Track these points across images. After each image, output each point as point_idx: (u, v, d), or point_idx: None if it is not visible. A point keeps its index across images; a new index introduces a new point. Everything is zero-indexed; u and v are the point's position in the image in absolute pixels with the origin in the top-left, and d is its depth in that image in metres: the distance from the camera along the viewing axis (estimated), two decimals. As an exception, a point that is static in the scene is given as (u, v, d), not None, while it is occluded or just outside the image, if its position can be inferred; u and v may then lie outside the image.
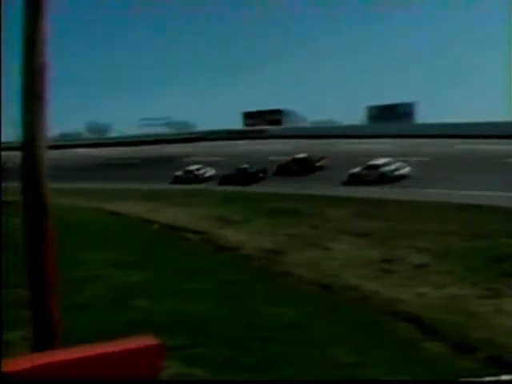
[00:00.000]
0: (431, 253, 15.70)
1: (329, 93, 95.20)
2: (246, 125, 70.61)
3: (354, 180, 34.31)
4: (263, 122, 68.01)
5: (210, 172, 45.70)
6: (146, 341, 5.37)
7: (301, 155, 41.76)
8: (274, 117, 68.92)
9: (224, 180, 42.89)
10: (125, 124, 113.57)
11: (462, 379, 6.00)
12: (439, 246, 16.25)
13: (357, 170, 34.75)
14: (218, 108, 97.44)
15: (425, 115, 54.44)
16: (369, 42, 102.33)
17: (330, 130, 54.85)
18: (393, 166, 33.95)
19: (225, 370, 6.74)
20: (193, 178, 44.83)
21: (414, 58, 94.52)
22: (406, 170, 33.40)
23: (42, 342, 6.28)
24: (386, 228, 19.40)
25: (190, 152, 58.44)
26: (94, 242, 17.05)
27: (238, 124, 71.42)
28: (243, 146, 53.62)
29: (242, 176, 42.94)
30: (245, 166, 44.21)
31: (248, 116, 71.73)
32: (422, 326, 9.99)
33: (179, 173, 46.38)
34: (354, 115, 63.65)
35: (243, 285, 11.12)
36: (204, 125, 78.56)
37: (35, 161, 6.02)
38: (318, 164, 40.62)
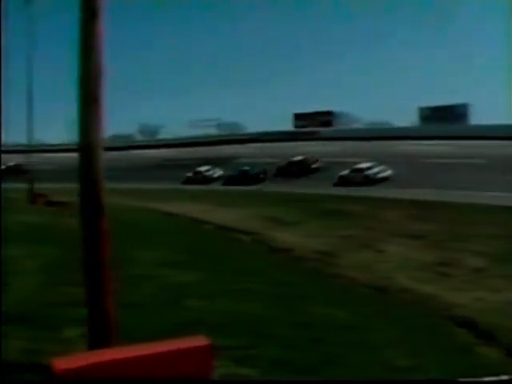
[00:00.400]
0: (487, 256, 15.37)
1: (381, 94, 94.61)
2: (296, 126, 70.41)
3: (343, 181, 38.28)
4: (314, 123, 67.65)
5: (218, 173, 49.64)
6: (198, 341, 5.39)
7: (298, 158, 45.46)
8: (325, 118, 68.54)
9: (227, 181, 47.22)
10: (176, 125, 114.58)
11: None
12: (495, 249, 15.90)
13: (345, 172, 39.05)
14: (267, 109, 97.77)
15: (478, 117, 53.45)
16: (421, 43, 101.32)
17: (383, 132, 54.27)
18: (375, 170, 38.12)
19: (276, 371, 6.70)
20: (202, 178, 49.05)
21: (466, 59, 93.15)
22: (387, 173, 37.37)
23: (98, 340, 6.37)
24: (439, 230, 19.09)
25: (242, 153, 58.65)
26: (147, 241, 17.28)
27: (287, 125, 71.21)
28: (294, 147, 53.46)
29: (243, 177, 46.55)
30: (246, 167, 48.16)
31: (298, 117, 71.50)
32: (477, 330, 9.78)
33: (189, 174, 50.41)
34: (406, 116, 63.06)
35: (296, 286, 11.06)
36: (253, 126, 78.52)
37: (92, 162, 6.12)
38: (313, 166, 44.09)
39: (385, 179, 36.83)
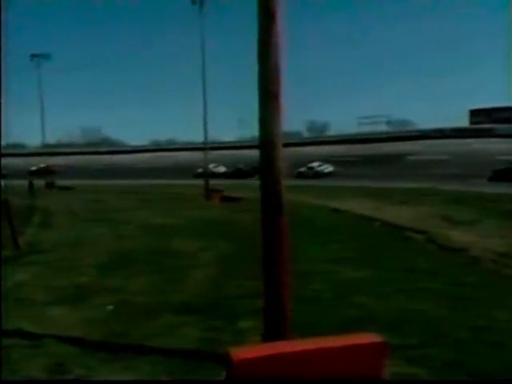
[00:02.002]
0: None
1: None
2: (471, 123, 67.53)
3: (301, 176, 53.80)
4: (490, 119, 64.48)
5: (329, 169, 58.01)
6: (370, 338, 5.37)
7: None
8: (503, 114, 64.87)
9: (228, 176, 60.71)
10: (343, 122, 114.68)
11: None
12: None
13: (303, 169, 56.48)
14: (440, 106, 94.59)
15: None
16: None
17: None
18: (323, 167, 56.99)
19: (448, 373, 6.51)
20: (313, 173, 57.12)
21: None
22: (330, 169, 56.67)
23: (273, 333, 6.56)
24: None
25: (412, 150, 57.29)
26: (318, 237, 17.53)
27: (461, 122, 68.47)
28: (468, 144, 51.26)
29: (237, 173, 59.93)
30: (240, 166, 62.16)
31: (474, 114, 68.43)
32: None
33: (302, 169, 57.87)
34: None
35: (471, 287, 10.61)
36: (425, 123, 76.37)
37: (273, 159, 6.32)
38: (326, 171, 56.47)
39: (330, 174, 54.84)
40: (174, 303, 10.10)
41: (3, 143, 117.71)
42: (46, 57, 69.81)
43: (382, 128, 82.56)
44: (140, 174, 71.87)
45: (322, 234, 18.68)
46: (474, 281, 11.19)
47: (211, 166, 59.93)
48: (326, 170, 57.28)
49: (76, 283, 12.24)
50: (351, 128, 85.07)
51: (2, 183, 49.79)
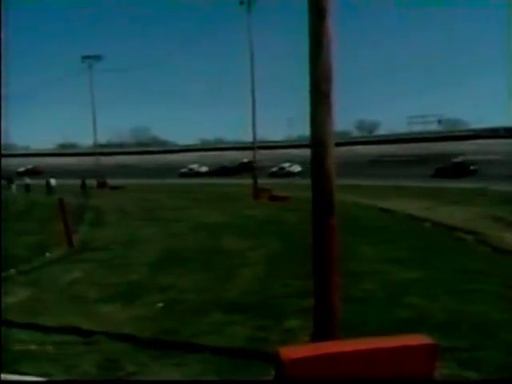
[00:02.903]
0: None
1: None
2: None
3: (274, 175, 61.67)
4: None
5: (298, 169, 61.73)
6: (421, 339, 5.32)
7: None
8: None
9: (213, 174, 68.81)
10: (393, 121, 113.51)
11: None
12: None
13: (275, 169, 64.41)
14: (494, 105, 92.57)
15: None
16: None
17: None
18: (293, 167, 63.13)
19: (500, 376, 6.37)
20: (284, 173, 62.97)
21: None
22: (299, 169, 60.96)
23: (322, 332, 6.54)
24: None
25: (463, 150, 56.23)
26: (367, 237, 17.36)
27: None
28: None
29: (224, 171, 68.22)
30: (226, 164, 70.73)
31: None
32: None
33: (274, 169, 64.57)
34: None
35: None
36: (477, 122, 74.85)
37: (324, 158, 6.31)
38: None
39: (300, 173, 58.11)
40: (222, 302, 10.17)
41: (60, 143, 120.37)
42: (97, 58, 71.01)
43: (433, 127, 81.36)
44: (189, 173, 72.51)
45: (372, 233, 18.50)
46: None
47: (194, 165, 74.73)
48: (296, 170, 63.95)
49: (128, 281, 12.45)
50: (401, 127, 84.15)
51: (54, 182, 51.47)
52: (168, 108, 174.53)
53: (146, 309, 9.95)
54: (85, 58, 71.08)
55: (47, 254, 16.84)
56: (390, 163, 59.96)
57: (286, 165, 65.51)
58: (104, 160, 76.36)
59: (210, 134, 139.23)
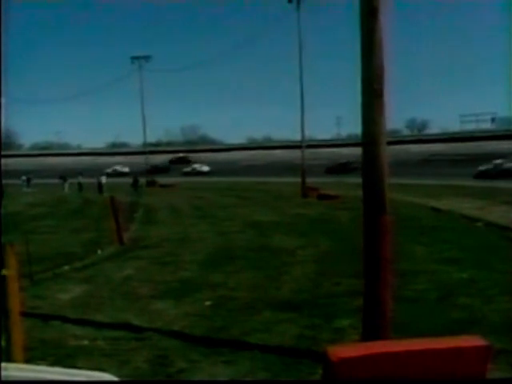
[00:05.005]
0: None
1: None
2: None
3: (187, 174, 74.37)
4: None
5: (206, 168, 77.16)
6: (474, 341, 5.21)
7: None
8: None
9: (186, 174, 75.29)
10: (445, 120, 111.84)
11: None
12: None
13: (188, 169, 78.08)
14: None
15: None
16: None
17: None
18: (203, 167, 77.60)
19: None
20: (195, 172, 74.82)
21: None
22: (207, 169, 77.46)
23: (372, 332, 6.50)
24: None
25: (513, 149, 54.94)
26: (418, 236, 17.16)
27: None
28: None
29: (154, 170, 72.81)
30: (157, 163, 79.02)
31: None
32: None
33: (188, 169, 78.42)
34: None
35: None
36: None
37: (376, 157, 6.27)
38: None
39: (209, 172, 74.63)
40: (272, 300, 10.19)
41: (111, 142, 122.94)
42: (146, 58, 71.94)
43: (487, 126, 79.69)
44: (238, 171, 72.86)
45: (423, 233, 18.28)
46: None
47: (117, 167, 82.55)
48: (205, 170, 77.11)
49: (179, 278, 12.59)
50: (454, 126, 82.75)
51: (104, 180, 52.49)
52: (218, 107, 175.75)
53: (196, 306, 10.04)
54: (134, 58, 72.16)
55: (99, 252, 17.15)
56: (441, 162, 59.07)
57: (197, 165, 79.61)
58: (152, 158, 77.75)
59: (258, 133, 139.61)
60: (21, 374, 2.72)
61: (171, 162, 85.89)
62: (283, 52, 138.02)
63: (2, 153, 51.82)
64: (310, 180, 43.18)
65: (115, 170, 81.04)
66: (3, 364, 2.82)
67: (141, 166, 73.65)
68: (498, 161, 50.69)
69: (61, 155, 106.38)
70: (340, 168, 63.20)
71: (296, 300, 10.12)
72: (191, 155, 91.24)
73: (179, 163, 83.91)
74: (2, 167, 42.94)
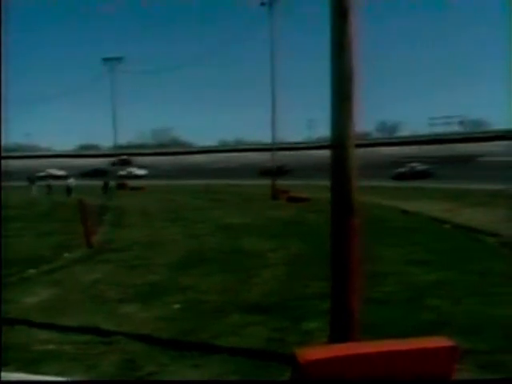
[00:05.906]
0: None
1: None
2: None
3: (123, 177, 70.15)
4: None
5: (142, 172, 76.12)
6: (441, 342, 5.27)
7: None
8: None
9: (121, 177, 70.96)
10: (414, 123, 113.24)
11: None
12: None
13: (123, 172, 75.05)
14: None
15: None
16: None
17: None
18: (138, 171, 79.21)
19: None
20: (132, 176, 72.30)
21: None
22: (143, 172, 78.73)
23: (341, 333, 6.51)
24: None
25: (486, 151, 55.79)
26: (387, 238, 17.27)
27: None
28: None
29: (94, 173, 75.04)
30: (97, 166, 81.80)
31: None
32: None
33: (123, 172, 74.95)
34: None
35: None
36: (500, 124, 74.12)
37: (344, 159, 6.28)
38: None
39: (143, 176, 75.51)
40: (242, 303, 10.16)
41: (81, 144, 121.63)
42: (118, 60, 71.37)
43: (455, 128, 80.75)
44: (208, 174, 72.77)
45: (392, 235, 18.43)
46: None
47: (52, 170, 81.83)
48: (141, 173, 78.80)
49: (148, 281, 12.47)
50: (423, 129, 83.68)
51: (73, 183, 51.93)
52: (190, 110, 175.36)
53: (165, 309, 9.97)
54: (106, 59, 71.58)
55: (66, 255, 16.93)
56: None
57: (134, 169, 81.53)
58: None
59: (229, 136, 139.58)
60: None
61: (113, 164, 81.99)
62: (257, 55, 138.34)
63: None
64: (282, 182, 43.34)
65: (49, 173, 78.79)
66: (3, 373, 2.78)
67: (81, 168, 74.36)
68: (414, 164, 56.50)
69: (28, 157, 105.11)
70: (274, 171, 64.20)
71: (265, 303, 10.10)
72: (135, 158, 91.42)
73: (122, 165, 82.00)
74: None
